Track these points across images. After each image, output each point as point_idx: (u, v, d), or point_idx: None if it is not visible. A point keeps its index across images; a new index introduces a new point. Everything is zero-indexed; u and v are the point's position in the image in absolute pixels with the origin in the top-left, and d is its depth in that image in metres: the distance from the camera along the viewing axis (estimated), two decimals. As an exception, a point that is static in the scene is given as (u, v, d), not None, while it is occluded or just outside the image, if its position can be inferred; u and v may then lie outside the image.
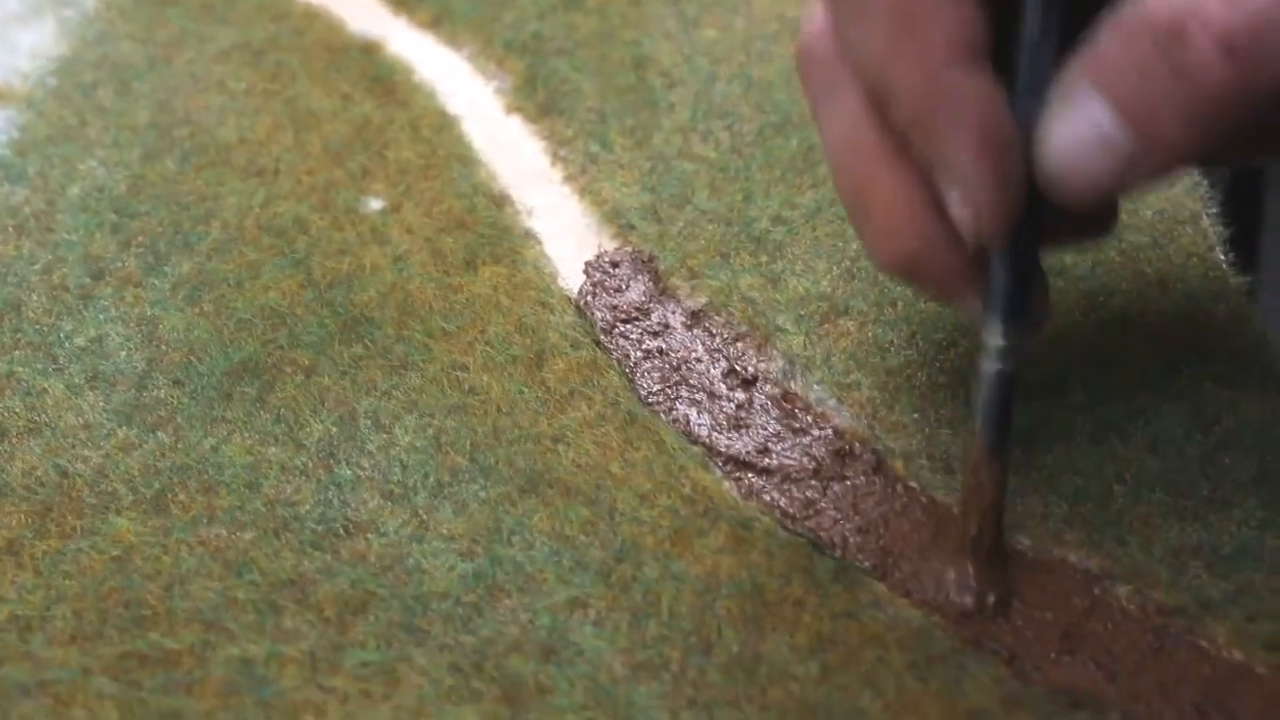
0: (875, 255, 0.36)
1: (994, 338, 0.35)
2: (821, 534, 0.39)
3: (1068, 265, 0.46)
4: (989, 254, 0.34)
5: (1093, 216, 0.36)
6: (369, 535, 0.38)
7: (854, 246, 0.47)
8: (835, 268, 0.46)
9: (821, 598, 0.37)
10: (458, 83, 0.55)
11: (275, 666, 0.35)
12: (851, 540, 0.39)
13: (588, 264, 0.47)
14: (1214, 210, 0.49)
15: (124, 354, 0.43)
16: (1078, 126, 0.30)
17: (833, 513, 0.39)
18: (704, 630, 0.36)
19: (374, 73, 0.55)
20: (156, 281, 0.45)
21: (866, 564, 0.38)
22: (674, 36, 0.57)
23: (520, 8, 0.58)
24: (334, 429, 0.41)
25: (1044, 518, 0.39)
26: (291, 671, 0.35)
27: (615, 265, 0.47)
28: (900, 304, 0.45)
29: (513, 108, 0.54)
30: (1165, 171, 0.31)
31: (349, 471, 0.40)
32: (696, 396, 0.42)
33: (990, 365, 0.36)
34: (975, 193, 0.32)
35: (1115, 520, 0.39)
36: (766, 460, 0.41)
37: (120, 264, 0.46)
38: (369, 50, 0.56)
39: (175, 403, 0.41)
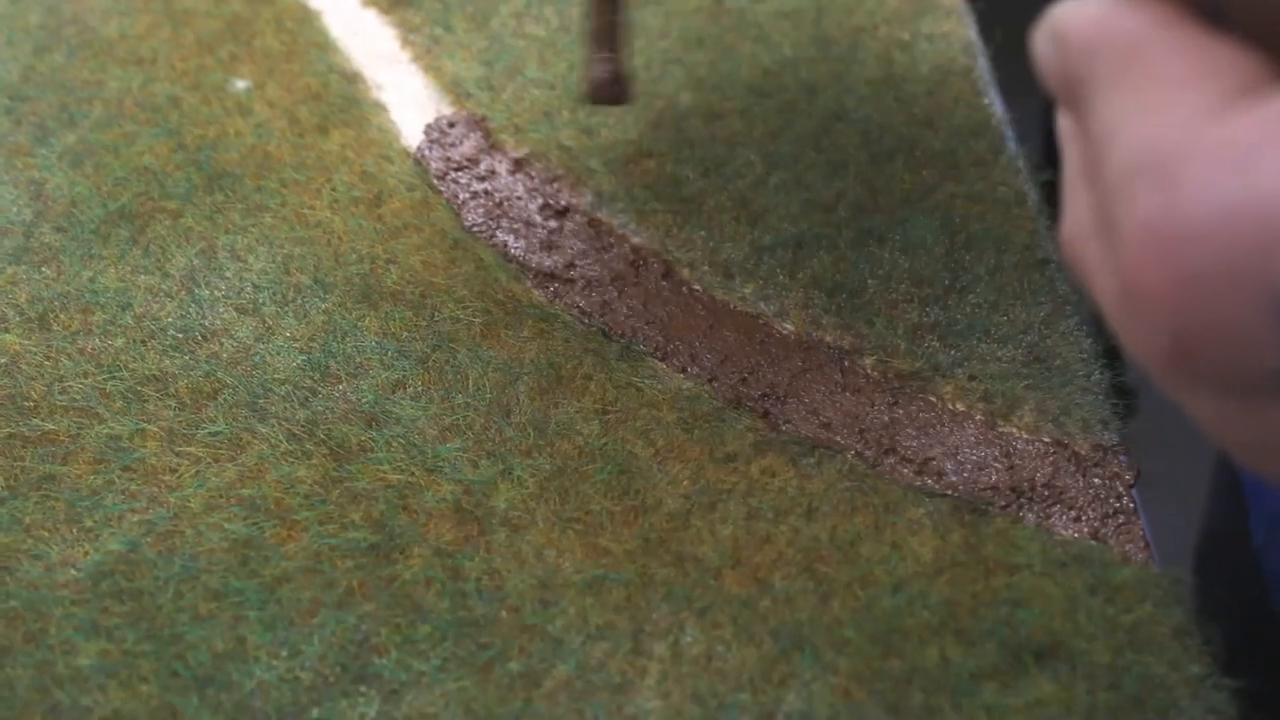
0: None
1: None
2: (614, 326, 0.45)
3: (848, 110, 0.52)
4: None
5: None
6: (223, 339, 0.44)
7: (661, 103, 0.53)
8: (643, 120, 0.53)
9: (608, 373, 0.43)
10: (320, -17, 0.61)
11: (138, 440, 0.41)
12: (639, 329, 0.45)
13: (427, 126, 0.53)
14: (984, 63, 0.55)
15: (14, 209, 0.49)
16: None
17: (625, 309, 0.46)
18: (504, 400, 0.42)
19: (244, -24, 0.61)
20: (44, 151, 0.51)
21: (649, 347, 0.44)
22: (517, -63, 0.63)
23: (380, -82, 0.64)
24: (196, 260, 0.47)
25: (806, 307, 0.45)
26: (152, 444, 0.41)
27: (451, 125, 0.53)
28: (697, 146, 0.51)
29: (368, 3, 0.60)
30: None
31: (207, 292, 0.46)
32: (515, 226, 0.49)
33: None
34: None
35: (866, 307, 0.45)
36: (572, 273, 0.47)
37: (12, 139, 0.52)
38: (240, -42, 0.62)
39: (58, 245, 0.48)
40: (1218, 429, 0.23)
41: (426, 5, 0.59)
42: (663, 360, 0.44)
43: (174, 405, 0.42)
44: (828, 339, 0.45)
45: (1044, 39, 0.27)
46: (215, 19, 0.58)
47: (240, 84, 0.55)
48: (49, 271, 0.47)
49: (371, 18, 0.59)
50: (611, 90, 0.44)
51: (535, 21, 0.58)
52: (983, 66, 0.55)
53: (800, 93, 0.54)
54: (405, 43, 0.58)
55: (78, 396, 0.43)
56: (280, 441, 0.41)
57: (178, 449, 0.41)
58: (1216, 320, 0.21)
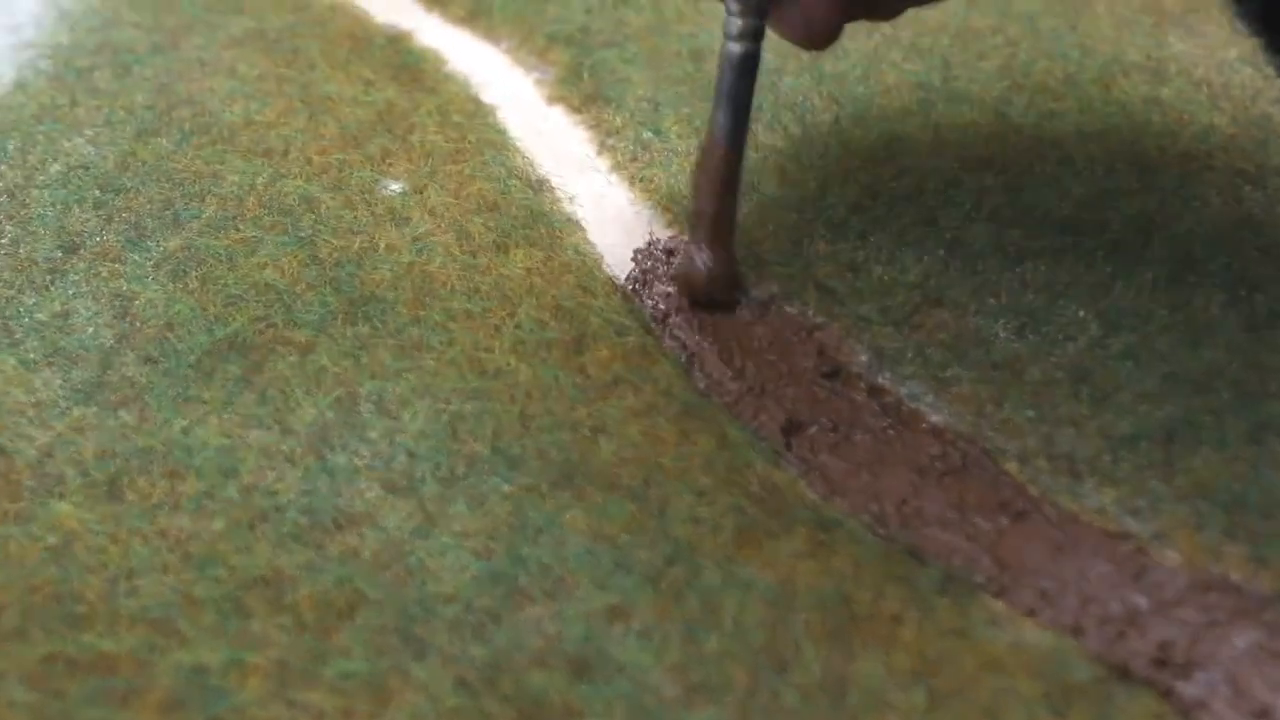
0: None
1: (732, 14, 0.35)
2: (923, 542, 0.31)
3: (1199, 259, 0.39)
4: None
5: None
6: (364, 530, 0.31)
7: (947, 236, 0.40)
8: (926, 256, 0.39)
9: (924, 613, 0.29)
10: (494, 74, 0.49)
11: (235, 676, 0.28)
12: (960, 547, 0.31)
13: (637, 251, 0.40)
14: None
15: (91, 329, 0.36)
16: None
17: (935, 517, 0.32)
18: (778, 646, 0.28)
19: (400, 61, 0.49)
20: (137, 257, 0.39)
21: (980, 577, 0.30)
22: (737, 31, 0.50)
23: (566, 4, 0.52)
24: (330, 413, 0.34)
25: (1196, 528, 0.31)
26: (255, 683, 0.27)
27: (669, 253, 0.40)
28: (1004, 295, 0.38)
29: (555, 98, 0.48)
30: None
31: (344, 459, 0.33)
32: (767, 389, 0.35)
33: (730, 47, 0.35)
34: None
35: (1287, 533, 0.31)
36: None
37: (99, 239, 0.40)
38: (396, 40, 0.50)
39: (145, 381, 0.35)
40: None
41: (629, 104, 0.46)
42: (999, 596, 0.30)
43: (290, 625, 0.29)
44: (1234, 577, 0.30)
45: None
46: (363, 107, 0.46)
47: (394, 186, 0.42)
48: (128, 417, 0.34)
49: (559, 115, 0.47)
50: (709, 289, 0.37)
51: (770, 130, 0.45)
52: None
53: (1129, 232, 0.40)
54: (603, 147, 0.45)
55: (151, 602, 0.29)
56: (445, 694, 0.27)
57: (292, 695, 0.27)
58: None
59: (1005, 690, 0.28)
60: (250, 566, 0.30)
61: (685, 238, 0.39)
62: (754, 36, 0.35)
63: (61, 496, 0.31)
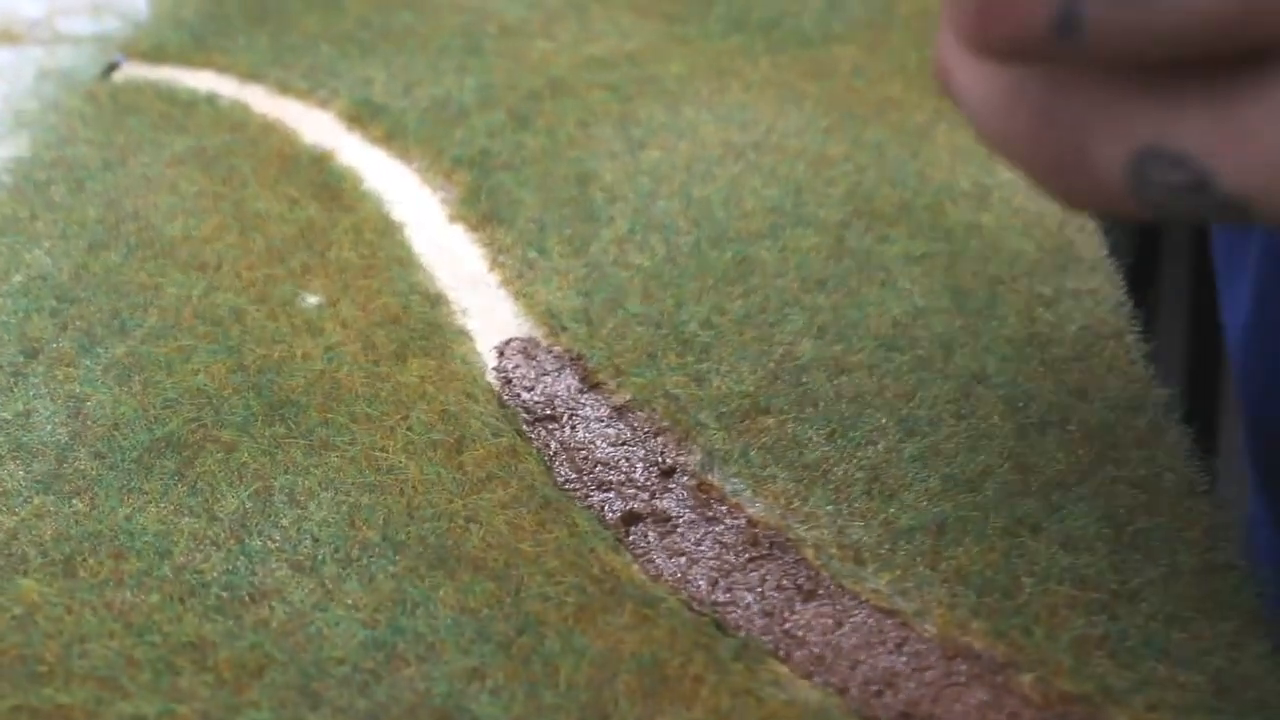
0: None
1: None
2: (727, 615, 0.39)
3: (990, 373, 0.47)
4: None
5: None
6: (273, 603, 0.38)
7: (779, 350, 0.48)
8: (759, 369, 0.47)
9: (721, 675, 0.37)
10: (404, 192, 0.56)
11: (166, 724, 0.35)
12: (756, 621, 0.39)
13: (500, 347, 0.48)
14: (1138, 328, 0.50)
15: (49, 427, 0.43)
16: None
17: (741, 596, 0.39)
18: (600, 702, 0.36)
19: (322, 180, 0.56)
20: (89, 362, 0.46)
21: (769, 645, 0.38)
22: (619, 156, 0.58)
23: (471, 126, 0.60)
24: (249, 503, 0.41)
25: (951, 607, 0.39)
26: (182, 730, 0.35)
27: (523, 352, 0.47)
28: (821, 404, 0.45)
29: (456, 217, 0.55)
30: None
31: (259, 543, 0.40)
32: (613, 486, 0.43)
33: None
34: None
35: (1022, 610, 0.39)
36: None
37: (55, 346, 0.47)
38: (320, 160, 0.57)
39: (94, 473, 0.42)
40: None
41: (519, 224, 0.54)
42: (785, 662, 0.38)
43: (211, 682, 0.36)
44: (977, 646, 0.38)
45: None
46: (288, 224, 0.53)
47: (311, 299, 0.49)
48: (81, 505, 0.41)
49: (458, 234, 0.54)
50: None
51: (639, 250, 0.52)
52: (1135, 331, 0.50)
53: (934, 348, 0.48)
54: (495, 264, 0.52)
55: (100, 663, 0.36)
56: (334, 738, 0.34)
57: (212, 739, 0.34)
58: None
59: (779, 738, 0.35)
60: (180, 634, 0.37)
61: (548, 340, 0.47)
62: None
63: (25, 574, 0.38)
